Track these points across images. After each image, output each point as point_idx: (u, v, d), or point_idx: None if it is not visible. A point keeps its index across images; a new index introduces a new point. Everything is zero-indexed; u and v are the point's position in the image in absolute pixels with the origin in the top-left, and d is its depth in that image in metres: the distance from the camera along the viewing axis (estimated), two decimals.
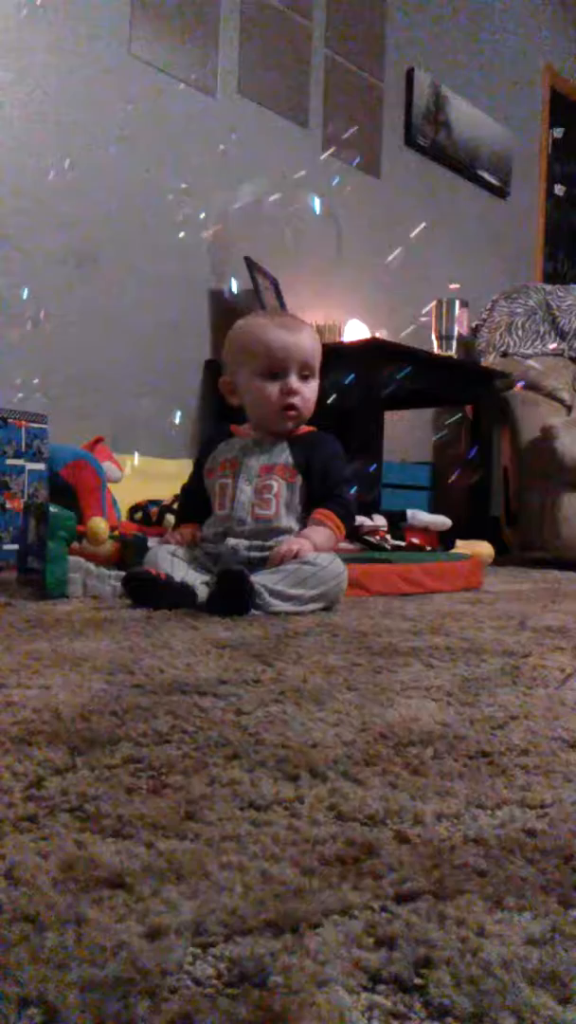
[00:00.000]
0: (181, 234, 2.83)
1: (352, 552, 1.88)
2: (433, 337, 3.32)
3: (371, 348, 2.80)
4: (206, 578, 1.42)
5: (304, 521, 1.50)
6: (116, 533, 1.69)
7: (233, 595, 1.30)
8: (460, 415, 3.64)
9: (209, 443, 1.64)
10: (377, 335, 3.02)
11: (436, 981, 0.33)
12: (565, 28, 4.78)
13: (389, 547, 2.04)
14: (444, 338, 3.30)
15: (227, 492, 1.51)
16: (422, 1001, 0.32)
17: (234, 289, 2.91)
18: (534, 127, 4.61)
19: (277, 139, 3.18)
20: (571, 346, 3.60)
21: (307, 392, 1.53)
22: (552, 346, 3.55)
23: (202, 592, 1.37)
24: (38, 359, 2.45)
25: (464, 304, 3.32)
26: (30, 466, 1.96)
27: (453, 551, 2.27)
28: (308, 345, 1.53)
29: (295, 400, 1.51)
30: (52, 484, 2.02)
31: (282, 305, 2.93)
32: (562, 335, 3.62)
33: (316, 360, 1.55)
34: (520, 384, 3.30)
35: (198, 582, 1.40)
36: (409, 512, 2.24)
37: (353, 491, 1.56)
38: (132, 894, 0.39)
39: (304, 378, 1.53)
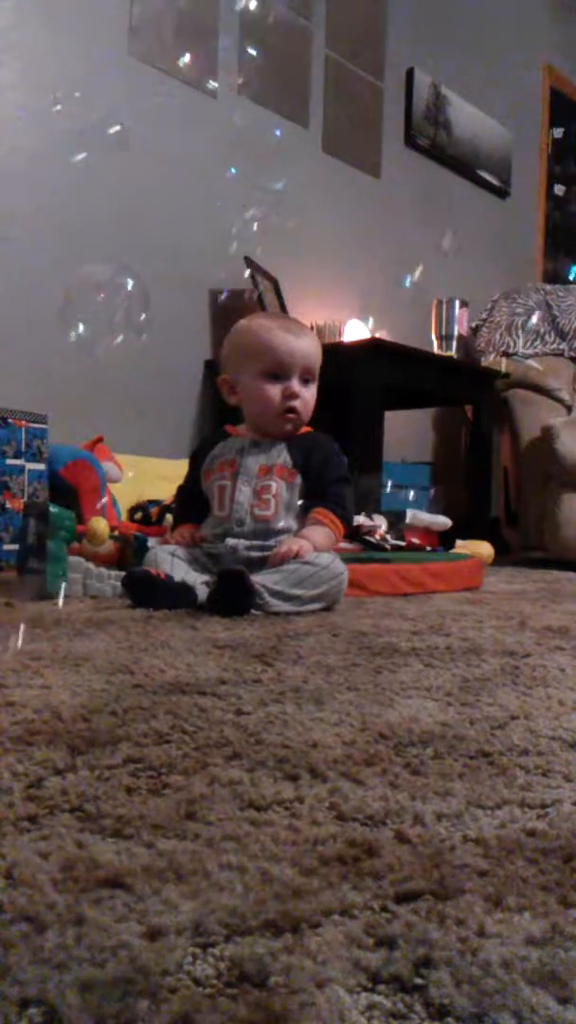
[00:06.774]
0: (180, 234, 2.83)
1: (352, 552, 1.88)
2: (433, 337, 3.32)
3: (371, 348, 2.80)
4: (206, 578, 1.42)
5: (303, 521, 1.51)
6: (116, 533, 1.69)
7: (233, 595, 1.30)
8: None
9: (205, 444, 1.64)
10: (377, 335, 3.02)
11: (436, 981, 0.33)
12: (565, 28, 4.78)
13: (389, 547, 2.04)
14: (444, 338, 3.30)
15: (226, 493, 1.51)
16: (422, 1001, 0.32)
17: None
18: (534, 127, 4.60)
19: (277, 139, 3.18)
20: (571, 346, 3.60)
21: (307, 396, 1.55)
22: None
23: (202, 592, 1.37)
24: (38, 359, 2.45)
25: (464, 304, 3.32)
26: (30, 466, 1.96)
27: (453, 551, 2.27)
28: (312, 350, 1.55)
29: (296, 404, 1.53)
30: (52, 484, 2.02)
31: (282, 305, 2.92)
32: (562, 335, 3.62)
33: (318, 365, 1.57)
34: None
35: (198, 582, 1.40)
36: (409, 512, 2.24)
37: (351, 491, 1.57)
38: (132, 894, 0.39)
39: (305, 382, 1.55)
